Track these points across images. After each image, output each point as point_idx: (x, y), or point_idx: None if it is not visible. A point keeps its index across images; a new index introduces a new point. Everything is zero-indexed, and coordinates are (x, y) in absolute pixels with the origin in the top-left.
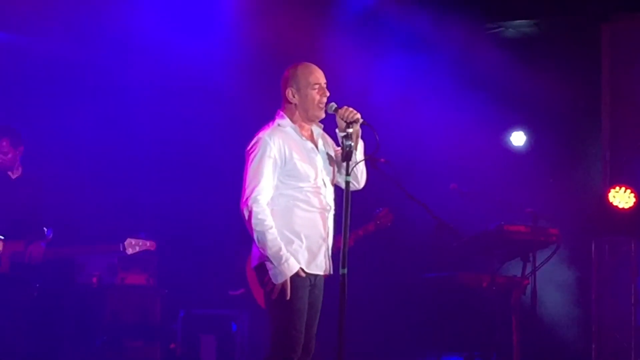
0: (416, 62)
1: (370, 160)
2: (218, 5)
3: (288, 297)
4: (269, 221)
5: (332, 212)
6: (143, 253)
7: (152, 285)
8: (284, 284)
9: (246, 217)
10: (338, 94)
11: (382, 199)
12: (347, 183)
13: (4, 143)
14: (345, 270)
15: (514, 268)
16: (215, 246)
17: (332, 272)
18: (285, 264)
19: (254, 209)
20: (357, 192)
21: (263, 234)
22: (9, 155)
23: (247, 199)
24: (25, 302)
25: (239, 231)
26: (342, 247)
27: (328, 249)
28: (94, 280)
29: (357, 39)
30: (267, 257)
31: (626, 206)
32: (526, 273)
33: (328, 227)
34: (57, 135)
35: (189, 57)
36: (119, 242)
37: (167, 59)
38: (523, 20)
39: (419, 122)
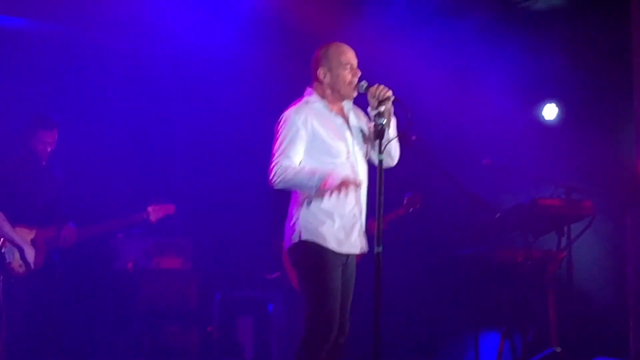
0: (445, 37)
1: (401, 137)
2: None
3: (343, 180)
4: (298, 168)
5: (364, 190)
6: (177, 238)
7: (188, 269)
8: (337, 182)
9: (278, 183)
10: (368, 72)
11: (415, 177)
12: (380, 161)
13: (55, 134)
14: (381, 249)
15: (549, 242)
16: (250, 228)
17: (367, 250)
18: (319, 173)
19: (279, 171)
20: (390, 171)
21: (295, 175)
22: (54, 146)
23: (271, 171)
24: (58, 286)
25: (273, 213)
26: (376, 224)
27: (362, 226)
28: (130, 265)
29: (384, 15)
30: (309, 184)
31: None
32: (561, 246)
33: (361, 204)
34: (79, 117)
35: (213, 40)
36: (142, 211)
37: (191, 43)
38: None
39: (450, 97)
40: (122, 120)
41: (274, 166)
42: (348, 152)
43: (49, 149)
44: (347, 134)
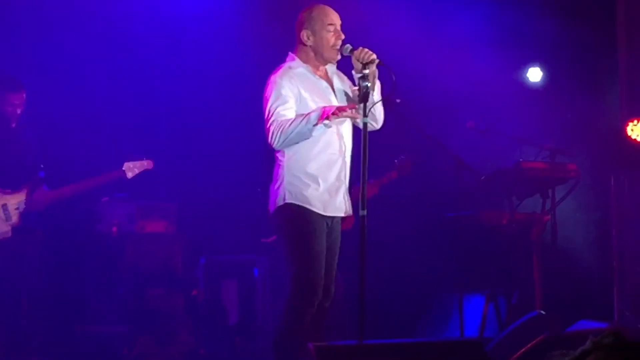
0: (431, 3)
1: (386, 101)
2: None
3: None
4: (287, 119)
5: (349, 152)
6: (162, 201)
7: (172, 232)
8: (332, 113)
9: (273, 140)
10: (353, 36)
11: (400, 140)
12: (365, 125)
13: (23, 96)
14: (365, 212)
15: (534, 205)
16: (235, 191)
17: (351, 213)
18: (312, 113)
19: (273, 128)
20: (375, 135)
21: (286, 128)
22: (23, 107)
23: (268, 132)
24: (40, 250)
25: (264, 175)
26: (360, 188)
27: (346, 189)
28: (114, 229)
29: None
30: (306, 124)
31: None
32: (546, 209)
33: (345, 168)
34: (55, 76)
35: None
36: (118, 168)
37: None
38: None
39: (433, 61)
40: (102, 81)
41: (269, 126)
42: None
43: (18, 111)
44: (332, 97)
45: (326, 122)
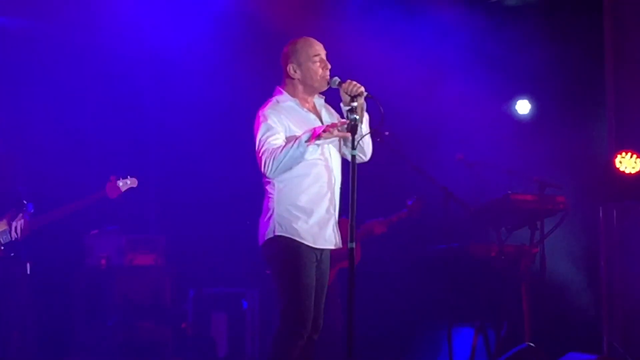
0: (417, 32)
1: (374, 133)
2: None
3: (337, 129)
4: (278, 146)
5: (338, 185)
6: (151, 234)
7: (161, 265)
8: (322, 132)
9: (266, 168)
10: (340, 68)
11: (389, 173)
12: (353, 157)
13: None
14: (354, 244)
15: (523, 237)
16: (223, 224)
17: (341, 245)
18: (303, 135)
19: (265, 157)
20: (364, 166)
21: (278, 156)
22: None
23: (261, 164)
24: (29, 282)
25: (253, 207)
26: (350, 220)
27: (336, 222)
28: (103, 262)
29: (358, 14)
30: (297, 149)
31: (633, 171)
32: (534, 241)
33: (335, 200)
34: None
35: (185, 40)
36: (101, 189)
37: (159, 38)
38: None
39: (422, 93)
40: (89, 113)
41: (261, 155)
42: (321, 148)
43: None
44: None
45: (318, 141)
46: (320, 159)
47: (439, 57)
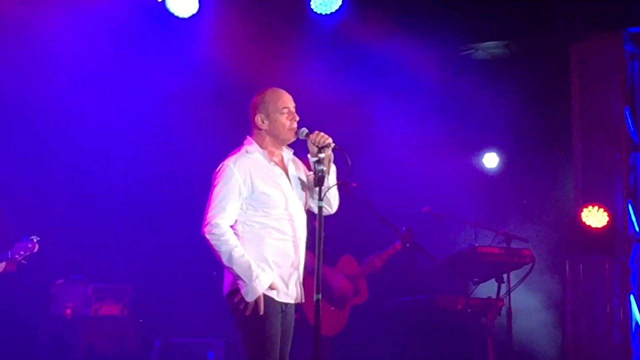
0: (387, 84)
1: (342, 184)
2: (184, 34)
3: (262, 313)
4: (234, 240)
5: (304, 240)
6: (115, 285)
7: (127, 315)
8: (257, 301)
9: (210, 241)
10: (308, 118)
11: (355, 223)
12: (320, 208)
13: None
14: (320, 296)
15: (489, 289)
16: (190, 273)
17: (303, 300)
18: (257, 280)
19: (215, 231)
20: (331, 218)
21: (229, 252)
22: None
23: (207, 224)
24: None
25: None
26: (316, 272)
27: (299, 276)
28: (68, 311)
29: (326, 65)
30: (237, 276)
31: (599, 225)
32: (501, 294)
33: (299, 255)
34: None
35: (155, 83)
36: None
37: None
38: (492, 42)
39: (390, 144)
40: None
41: (210, 219)
42: (286, 203)
43: None
44: (286, 184)
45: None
46: (284, 214)
47: (407, 109)
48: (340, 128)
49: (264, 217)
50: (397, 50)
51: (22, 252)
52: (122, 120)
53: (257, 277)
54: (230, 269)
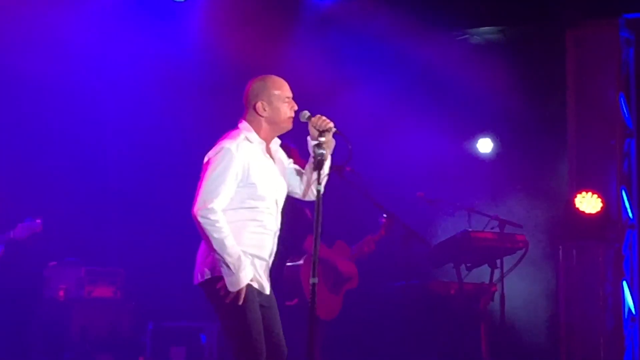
0: (381, 69)
1: (336, 169)
2: (178, 19)
3: (241, 302)
4: (226, 228)
5: (277, 233)
6: (108, 267)
7: (120, 298)
8: (239, 291)
9: (203, 225)
10: (300, 102)
11: (350, 208)
12: (319, 192)
13: None
14: (316, 280)
15: (482, 275)
16: (183, 257)
17: (268, 292)
18: (244, 272)
19: (211, 216)
20: (324, 202)
21: (222, 240)
22: None
23: (202, 207)
24: None
25: None
26: (312, 255)
27: (268, 267)
28: (61, 293)
29: (319, 48)
30: (226, 264)
31: (593, 211)
32: (494, 279)
33: (273, 247)
34: None
35: (150, 69)
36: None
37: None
38: (488, 27)
39: (385, 130)
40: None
41: (206, 203)
42: (272, 197)
43: None
44: (274, 177)
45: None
46: (267, 208)
47: (401, 95)
48: (332, 113)
49: (248, 208)
50: (391, 35)
51: (25, 232)
52: (116, 105)
53: (245, 268)
54: (219, 257)
